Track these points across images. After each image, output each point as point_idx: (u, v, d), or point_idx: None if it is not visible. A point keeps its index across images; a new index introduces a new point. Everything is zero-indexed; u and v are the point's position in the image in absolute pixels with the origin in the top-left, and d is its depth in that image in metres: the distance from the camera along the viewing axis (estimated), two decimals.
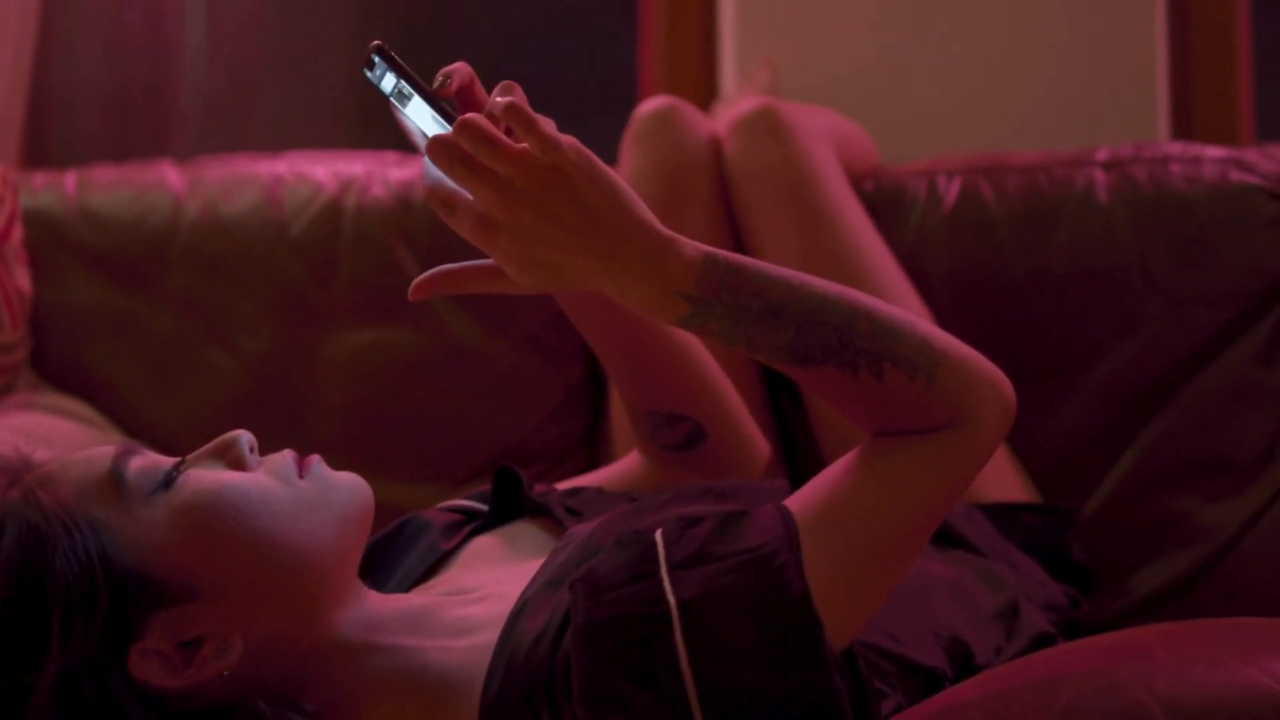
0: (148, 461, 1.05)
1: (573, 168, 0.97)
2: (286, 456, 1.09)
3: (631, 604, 0.99)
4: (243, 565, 1.02)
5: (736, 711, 0.96)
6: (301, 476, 1.07)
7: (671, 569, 1.00)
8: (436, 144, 0.97)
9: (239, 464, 1.06)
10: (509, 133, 0.99)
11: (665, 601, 0.98)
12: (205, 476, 1.04)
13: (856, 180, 1.76)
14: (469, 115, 0.97)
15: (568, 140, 0.98)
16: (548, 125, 0.99)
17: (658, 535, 1.03)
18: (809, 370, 1.04)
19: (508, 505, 1.25)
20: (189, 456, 1.07)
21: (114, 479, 1.02)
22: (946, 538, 1.40)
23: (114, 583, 0.99)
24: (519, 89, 1.02)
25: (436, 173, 1.01)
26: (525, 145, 0.97)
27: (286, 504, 1.05)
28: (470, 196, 0.99)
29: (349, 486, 1.08)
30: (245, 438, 1.08)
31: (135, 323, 1.86)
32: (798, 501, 1.06)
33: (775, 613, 0.98)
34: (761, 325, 1.02)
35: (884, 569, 1.04)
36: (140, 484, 1.03)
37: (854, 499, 1.04)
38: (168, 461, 1.05)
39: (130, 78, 2.46)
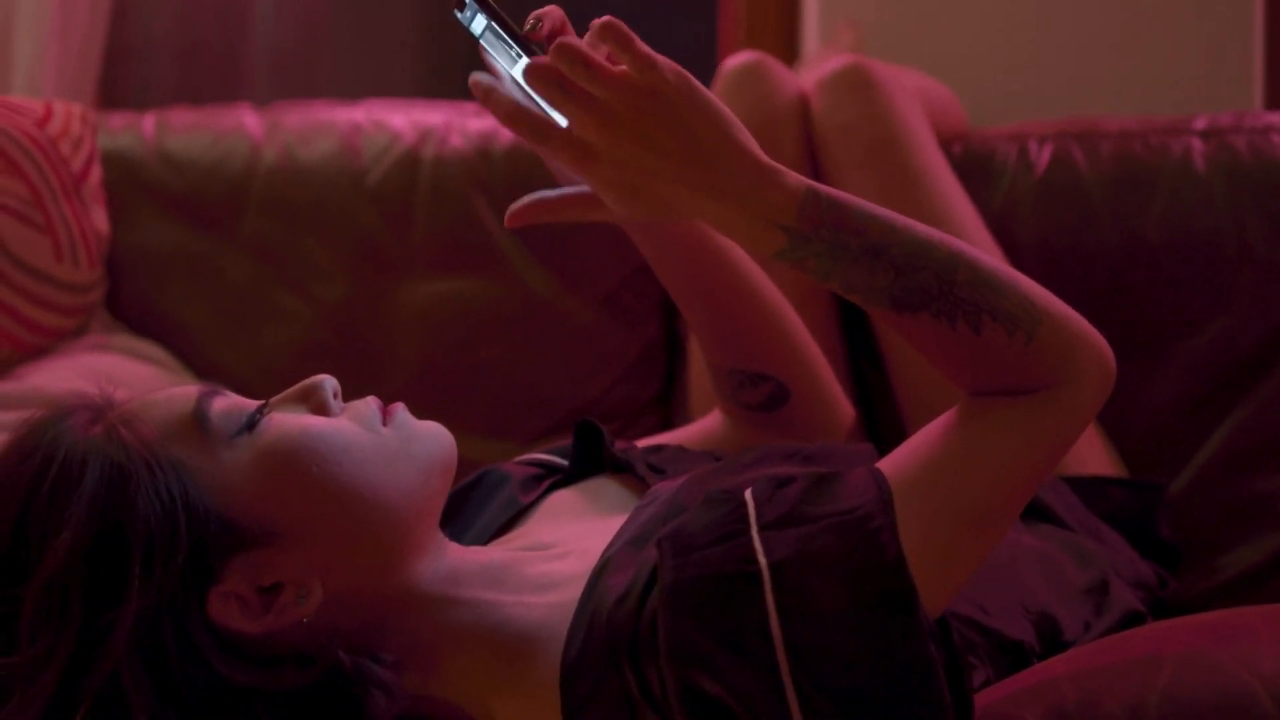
0: (231, 403, 1.03)
1: (671, 90, 0.95)
2: (370, 403, 1.07)
3: (721, 563, 0.96)
4: (324, 511, 1.01)
5: (826, 676, 0.94)
6: (385, 425, 1.05)
7: (762, 529, 0.98)
8: (534, 68, 0.95)
9: (322, 409, 1.05)
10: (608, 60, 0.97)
11: (756, 562, 0.96)
12: (289, 420, 1.03)
13: (945, 143, 1.73)
14: (566, 38, 0.94)
15: (666, 61, 0.95)
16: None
17: (748, 495, 1.01)
18: (904, 317, 1.01)
19: (588, 460, 1.23)
20: (273, 400, 1.05)
21: (197, 419, 1.01)
22: (1033, 510, 1.37)
23: (195, 524, 0.98)
24: (620, 24, 1.00)
25: (524, 100, 0.99)
26: (623, 68, 0.94)
27: (370, 452, 1.03)
28: (564, 124, 0.97)
29: (433, 436, 1.07)
30: (329, 383, 1.06)
31: (211, 267, 1.85)
32: (890, 464, 1.03)
33: (869, 577, 0.96)
34: (860, 265, 0.99)
35: (978, 535, 1.01)
36: (224, 426, 1.01)
37: (948, 462, 1.01)
38: (251, 404, 1.04)
39: (203, 28, 2.46)
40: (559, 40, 0.94)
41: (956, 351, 1.02)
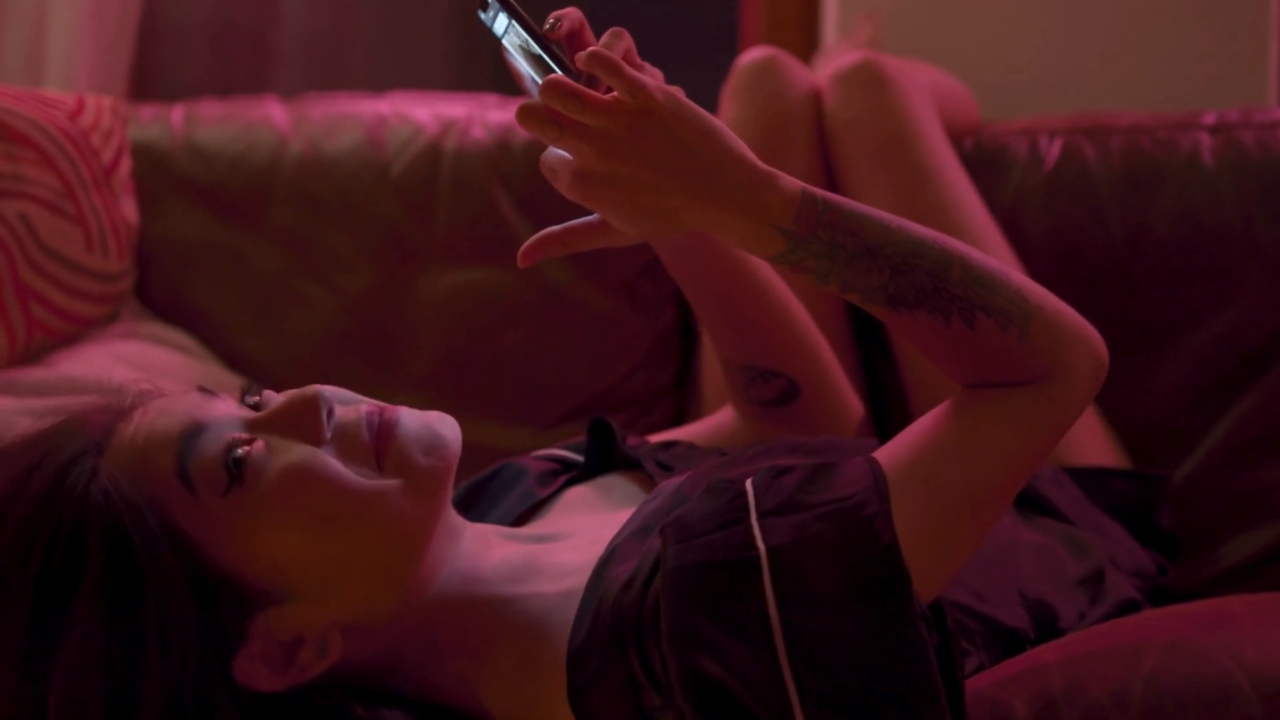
0: (211, 448, 0.99)
1: (660, 108, 0.97)
2: (363, 433, 1.02)
3: (721, 549, 0.99)
4: (331, 558, 1.00)
5: (822, 658, 0.97)
6: (382, 460, 1.02)
7: (761, 516, 1.01)
8: (524, 111, 0.97)
9: (315, 436, 1.01)
10: (596, 84, 0.99)
11: (755, 548, 0.99)
12: (278, 467, 0.99)
13: (957, 137, 1.75)
14: (552, 76, 0.96)
15: (653, 82, 0.98)
16: (647, 72, 1.00)
17: (748, 484, 1.04)
18: (901, 314, 1.04)
19: (602, 456, 1.26)
20: (260, 417, 1.02)
21: (181, 480, 0.98)
22: (1034, 504, 1.39)
23: (202, 594, 0.97)
24: (627, 35, 1.03)
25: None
26: (614, 95, 0.97)
27: (365, 492, 1.01)
28: (568, 156, 0.99)
29: (427, 447, 1.03)
30: (323, 401, 1.02)
31: (237, 257, 1.87)
32: (886, 454, 1.06)
33: (864, 562, 0.99)
34: (856, 265, 1.02)
35: (971, 523, 1.04)
36: (210, 482, 0.98)
37: (943, 451, 1.04)
38: (231, 435, 1.00)
39: (235, 15, 2.49)
40: (546, 80, 0.96)
41: (952, 347, 1.05)
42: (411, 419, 1.04)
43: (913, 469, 1.04)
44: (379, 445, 1.02)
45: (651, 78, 1.02)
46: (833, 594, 0.98)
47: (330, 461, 1.00)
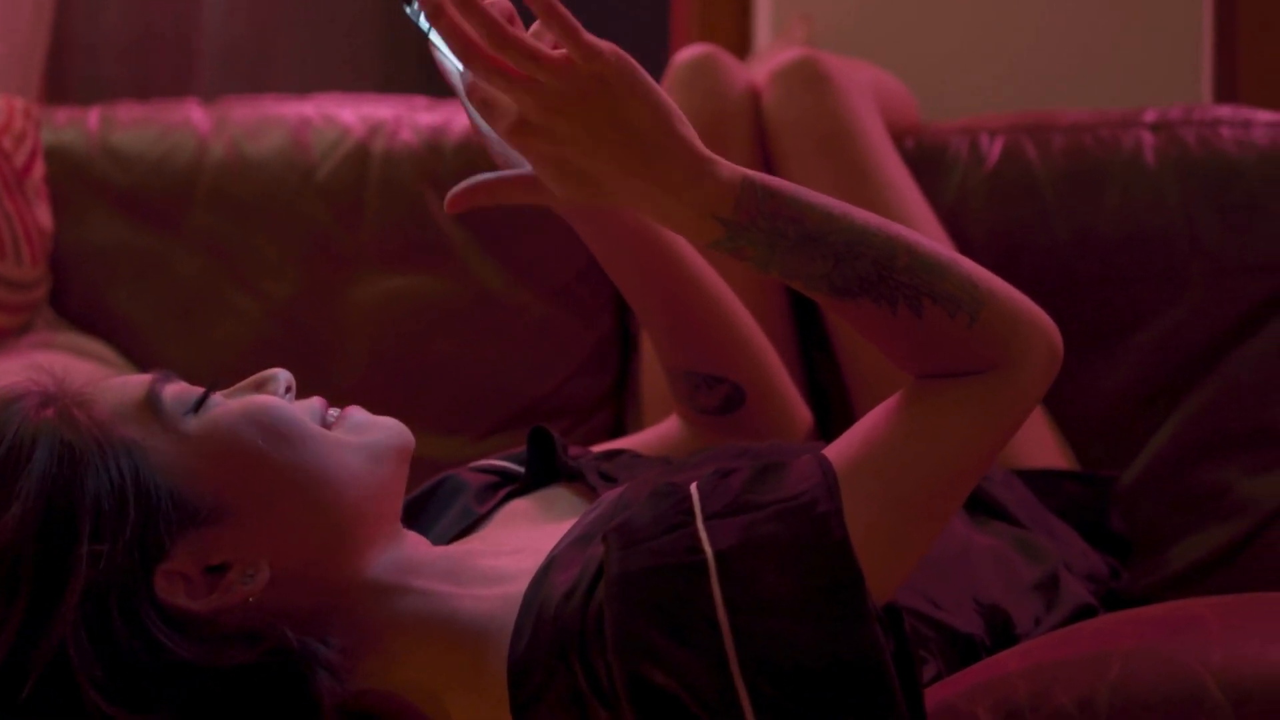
0: (183, 388, 1.04)
1: (614, 77, 0.95)
2: (315, 402, 1.07)
3: (667, 554, 0.96)
4: (272, 489, 1.01)
5: (774, 664, 0.94)
6: (334, 426, 1.06)
7: (707, 519, 0.98)
8: (475, 60, 0.95)
9: (275, 394, 1.06)
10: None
11: (702, 551, 0.96)
12: (237, 400, 1.04)
13: (897, 136, 1.73)
14: (511, 32, 0.94)
15: (609, 47, 0.95)
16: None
17: (693, 487, 1.01)
18: (846, 303, 1.01)
19: (542, 467, 1.22)
20: (227, 390, 1.06)
21: (150, 402, 1.02)
22: (986, 508, 1.37)
23: (144, 501, 0.98)
24: (562, 8, 0.99)
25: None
26: (564, 53, 0.94)
27: (316, 434, 1.04)
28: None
29: (383, 425, 1.07)
30: (283, 375, 1.07)
31: (158, 263, 1.84)
32: (836, 450, 1.03)
33: (815, 564, 0.96)
34: (798, 253, 0.99)
35: (925, 518, 1.02)
36: (175, 406, 1.02)
37: (894, 445, 1.02)
38: (201, 389, 1.05)
39: (152, 22, 2.44)
40: (501, 32, 0.94)
41: (899, 335, 1.02)
42: (364, 412, 1.09)
43: (863, 464, 1.01)
44: (340, 416, 1.07)
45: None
46: (784, 597, 0.95)
47: (290, 405, 1.05)
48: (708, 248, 1.00)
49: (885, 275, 1.00)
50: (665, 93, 0.97)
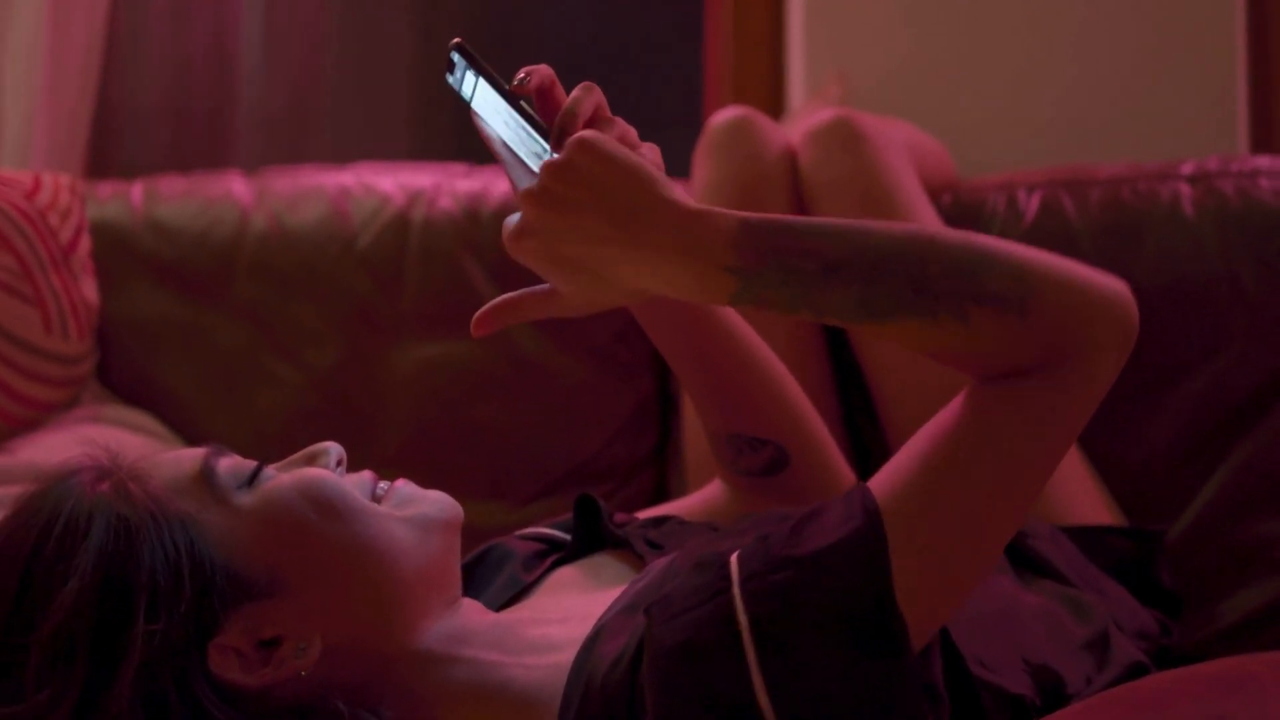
0: (237, 462, 1.05)
1: (581, 156, 0.95)
2: (365, 476, 1.08)
3: (704, 627, 0.95)
4: (324, 564, 1.02)
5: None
6: (380, 501, 1.07)
7: (745, 583, 0.96)
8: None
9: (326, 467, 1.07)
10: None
11: (737, 621, 0.95)
12: (289, 473, 1.05)
13: (934, 193, 1.73)
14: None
15: (586, 133, 0.96)
16: (618, 127, 0.98)
17: (734, 557, 0.99)
18: (886, 325, 0.97)
19: (589, 534, 1.22)
20: (279, 463, 1.07)
21: (204, 476, 1.03)
22: (1033, 565, 1.36)
23: (198, 575, 0.99)
24: (598, 90, 1.01)
25: (511, 160, 1.03)
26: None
27: (368, 509, 1.05)
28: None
29: (433, 499, 1.08)
30: (335, 450, 1.08)
31: (202, 335, 1.85)
32: (880, 480, 0.99)
33: (852, 617, 0.93)
34: (822, 286, 0.95)
35: (978, 548, 0.97)
36: (229, 480, 1.03)
37: (941, 469, 0.97)
38: (254, 463, 1.06)
39: (192, 93, 2.46)
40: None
41: (950, 345, 0.98)
42: (413, 485, 1.10)
43: (909, 494, 0.97)
44: (385, 491, 1.08)
45: (624, 132, 1.00)
46: (821, 657, 0.93)
47: (341, 480, 1.05)
48: (731, 304, 0.97)
49: (921, 289, 0.95)
50: (644, 161, 0.97)
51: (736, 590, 0.96)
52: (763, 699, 0.93)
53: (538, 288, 1.02)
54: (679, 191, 0.97)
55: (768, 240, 0.95)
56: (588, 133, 0.96)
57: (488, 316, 1.03)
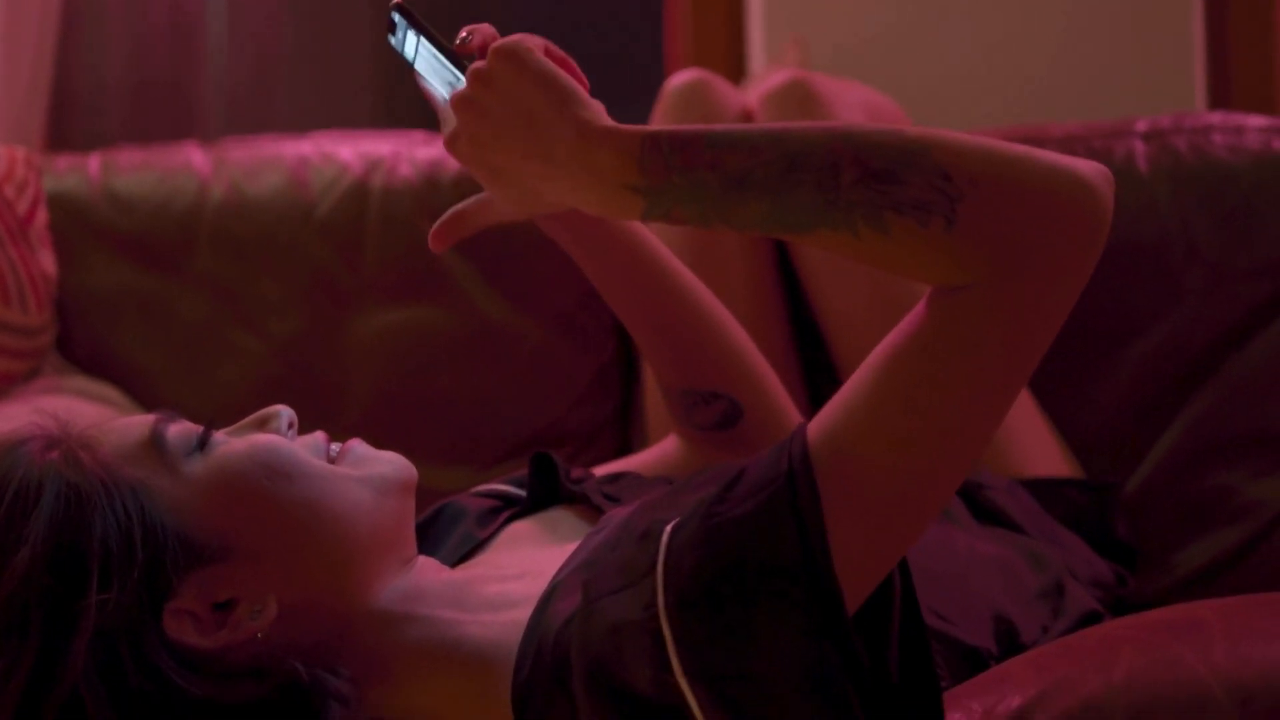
0: (186, 427, 1.04)
1: (500, 63, 0.97)
2: (318, 437, 1.08)
3: (629, 608, 0.94)
4: (277, 526, 1.01)
5: (746, 708, 0.91)
6: (338, 460, 1.07)
7: (667, 560, 0.94)
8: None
9: (276, 435, 1.06)
10: None
11: (655, 604, 0.93)
12: (240, 439, 1.05)
13: None
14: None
15: (505, 42, 0.97)
16: (557, 61, 0.99)
17: (669, 526, 0.97)
18: (805, 238, 0.91)
19: (544, 491, 1.22)
20: (229, 428, 1.07)
21: (154, 442, 1.02)
22: (990, 516, 1.37)
23: (151, 541, 0.98)
24: (538, 38, 1.01)
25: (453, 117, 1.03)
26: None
27: (319, 470, 1.04)
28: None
29: (387, 459, 1.08)
30: (285, 413, 1.07)
31: (162, 306, 1.84)
32: (817, 422, 0.93)
33: (779, 589, 0.90)
34: (729, 199, 0.91)
35: (930, 479, 0.90)
36: (179, 446, 1.02)
37: (890, 394, 0.89)
38: (201, 427, 1.05)
39: (153, 68, 2.45)
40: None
41: (876, 259, 0.90)
42: (366, 445, 1.09)
43: (847, 431, 0.90)
44: (342, 450, 1.07)
45: (556, 55, 1.01)
46: (745, 635, 0.90)
47: (292, 443, 1.05)
48: (639, 220, 0.97)
49: (832, 199, 0.88)
50: (562, 76, 0.97)
51: (660, 569, 0.94)
52: (681, 682, 0.92)
53: (479, 196, 1.05)
54: (595, 109, 0.96)
55: (671, 156, 0.92)
56: (510, 39, 0.97)
57: (441, 232, 1.05)
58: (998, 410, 0.91)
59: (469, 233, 1.05)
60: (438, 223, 1.05)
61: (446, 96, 1.03)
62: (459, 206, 1.05)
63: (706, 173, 0.91)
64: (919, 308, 0.92)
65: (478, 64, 0.98)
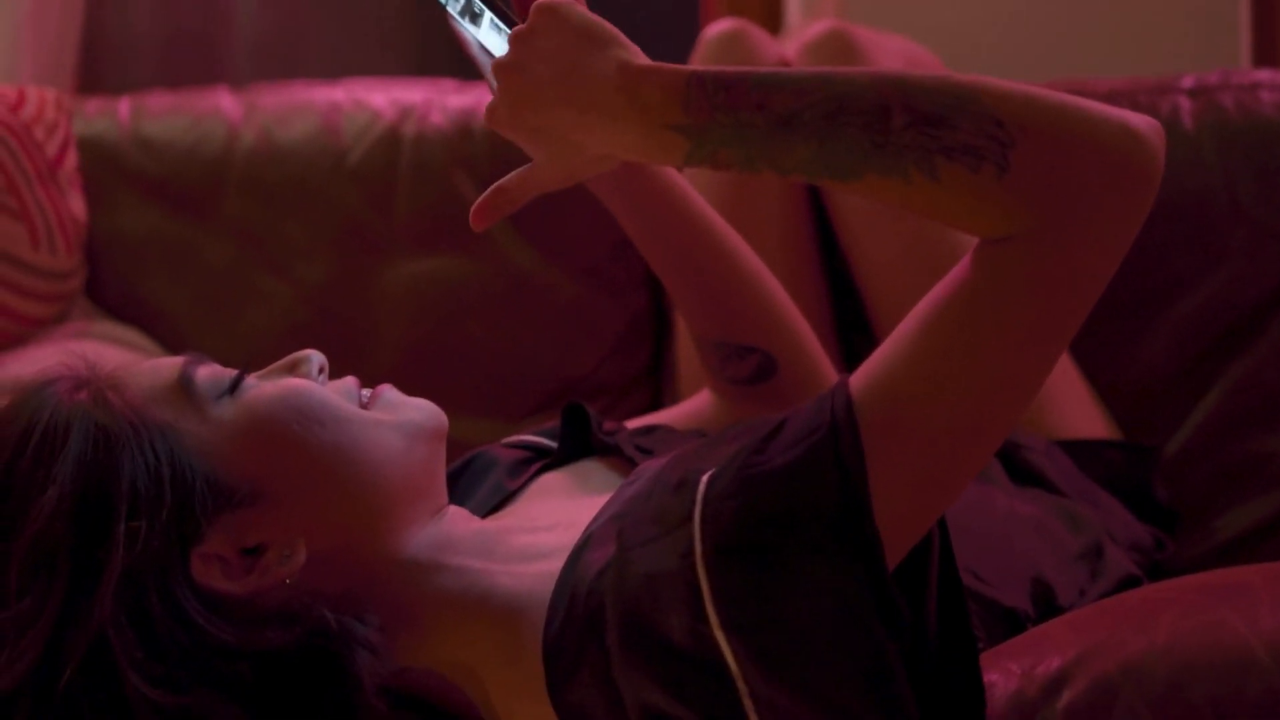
0: (215, 370, 1.03)
1: (541, 19, 0.95)
2: (350, 382, 1.07)
3: (665, 557, 0.93)
4: (307, 471, 1.00)
5: (780, 666, 0.90)
6: (369, 405, 1.06)
7: (704, 509, 0.92)
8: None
9: (307, 379, 1.05)
10: None
11: (693, 551, 0.91)
12: (271, 382, 1.04)
13: None
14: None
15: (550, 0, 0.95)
16: None
17: (705, 476, 0.95)
18: (852, 184, 0.89)
19: (576, 443, 1.21)
20: (260, 373, 1.05)
21: (183, 384, 1.01)
22: (1028, 477, 1.35)
23: (180, 484, 0.97)
24: None
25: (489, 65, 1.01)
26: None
27: (350, 414, 1.03)
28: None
29: (417, 406, 1.07)
30: (316, 357, 1.06)
31: (191, 251, 1.83)
32: (862, 373, 0.92)
33: (817, 540, 0.88)
34: (775, 140, 0.89)
35: (976, 433, 0.89)
36: (208, 389, 1.01)
37: (934, 347, 0.88)
38: (233, 371, 1.04)
39: (182, 14, 2.44)
40: None
41: (929, 206, 0.89)
42: (397, 391, 1.08)
43: (890, 384, 0.89)
44: (372, 396, 1.06)
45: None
46: (782, 586, 0.89)
47: (323, 387, 1.04)
48: (686, 165, 0.93)
49: (881, 143, 0.87)
50: (603, 23, 0.95)
51: (697, 518, 0.93)
52: (718, 633, 0.90)
53: (520, 170, 1.01)
54: (626, 49, 0.94)
55: (716, 95, 0.91)
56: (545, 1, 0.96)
57: (483, 208, 1.01)
58: (1042, 366, 0.90)
59: (511, 208, 1.01)
60: (479, 200, 1.01)
61: (482, 40, 1.02)
62: (500, 182, 1.01)
63: (753, 113, 0.90)
64: (964, 261, 0.91)
65: (519, 27, 0.96)
